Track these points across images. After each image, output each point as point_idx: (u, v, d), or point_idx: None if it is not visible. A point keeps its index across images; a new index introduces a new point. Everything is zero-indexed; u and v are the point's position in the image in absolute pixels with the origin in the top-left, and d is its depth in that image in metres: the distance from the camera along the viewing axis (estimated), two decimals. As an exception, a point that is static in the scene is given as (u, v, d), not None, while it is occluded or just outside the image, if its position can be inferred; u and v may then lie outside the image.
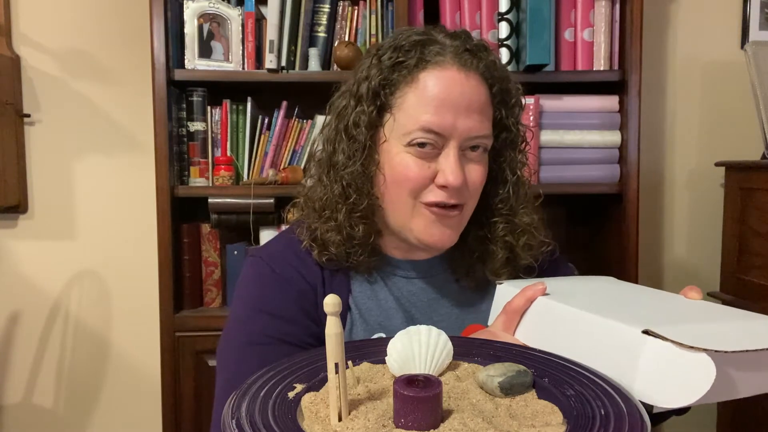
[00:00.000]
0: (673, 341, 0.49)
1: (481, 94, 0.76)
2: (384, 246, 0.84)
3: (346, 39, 1.71)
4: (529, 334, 0.67)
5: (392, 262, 0.85)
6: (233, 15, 1.66)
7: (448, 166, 0.74)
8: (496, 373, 0.48)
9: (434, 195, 0.76)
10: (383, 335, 0.80)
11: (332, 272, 0.82)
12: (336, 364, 0.42)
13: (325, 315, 0.81)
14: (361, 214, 0.78)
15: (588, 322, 0.59)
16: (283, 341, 0.77)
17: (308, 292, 0.80)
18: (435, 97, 0.74)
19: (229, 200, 1.66)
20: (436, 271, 0.86)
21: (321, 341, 0.77)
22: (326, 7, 1.68)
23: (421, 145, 0.74)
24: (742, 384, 0.50)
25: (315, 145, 0.88)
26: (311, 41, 1.69)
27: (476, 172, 0.77)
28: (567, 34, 1.67)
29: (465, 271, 0.86)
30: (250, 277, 0.83)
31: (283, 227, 1.71)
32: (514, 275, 0.85)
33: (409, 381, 0.42)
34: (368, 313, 0.82)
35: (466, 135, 0.74)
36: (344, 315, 0.80)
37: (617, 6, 1.68)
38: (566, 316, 0.62)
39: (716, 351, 0.46)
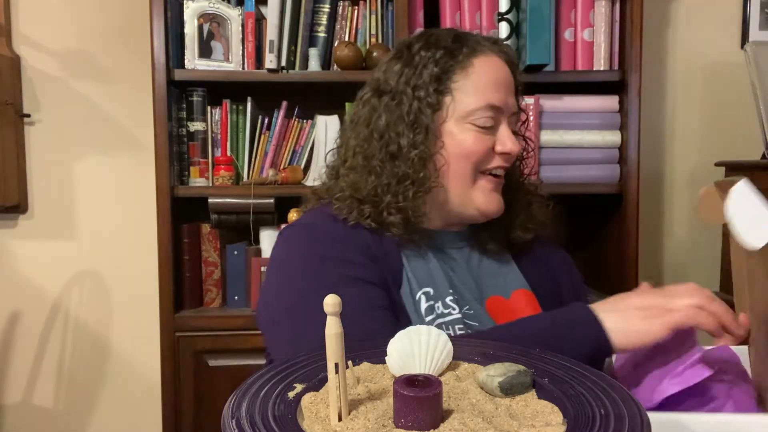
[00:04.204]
0: None
1: (513, 79, 0.89)
2: (425, 222, 0.89)
3: (346, 39, 1.70)
4: None
5: (430, 234, 0.90)
6: (233, 15, 1.66)
7: (508, 136, 0.86)
8: (496, 373, 0.48)
9: (495, 162, 0.86)
10: (431, 290, 0.84)
11: (380, 235, 0.85)
12: (336, 364, 0.42)
13: (386, 263, 0.82)
14: (424, 192, 0.83)
15: None
16: (359, 279, 0.79)
17: (362, 242, 0.83)
18: (493, 79, 0.85)
19: (229, 200, 1.66)
20: (466, 243, 0.93)
21: (387, 286, 0.81)
22: (326, 7, 1.68)
23: (484, 124, 0.84)
24: None
25: (339, 145, 0.93)
26: (311, 41, 1.69)
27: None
28: (567, 34, 1.67)
29: (490, 237, 0.93)
30: (300, 238, 0.85)
31: (283, 227, 1.70)
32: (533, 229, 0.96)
33: (409, 381, 0.42)
34: (417, 270, 0.86)
35: (513, 110, 0.88)
36: (400, 271, 0.84)
37: (617, 6, 1.68)
38: None
39: None
